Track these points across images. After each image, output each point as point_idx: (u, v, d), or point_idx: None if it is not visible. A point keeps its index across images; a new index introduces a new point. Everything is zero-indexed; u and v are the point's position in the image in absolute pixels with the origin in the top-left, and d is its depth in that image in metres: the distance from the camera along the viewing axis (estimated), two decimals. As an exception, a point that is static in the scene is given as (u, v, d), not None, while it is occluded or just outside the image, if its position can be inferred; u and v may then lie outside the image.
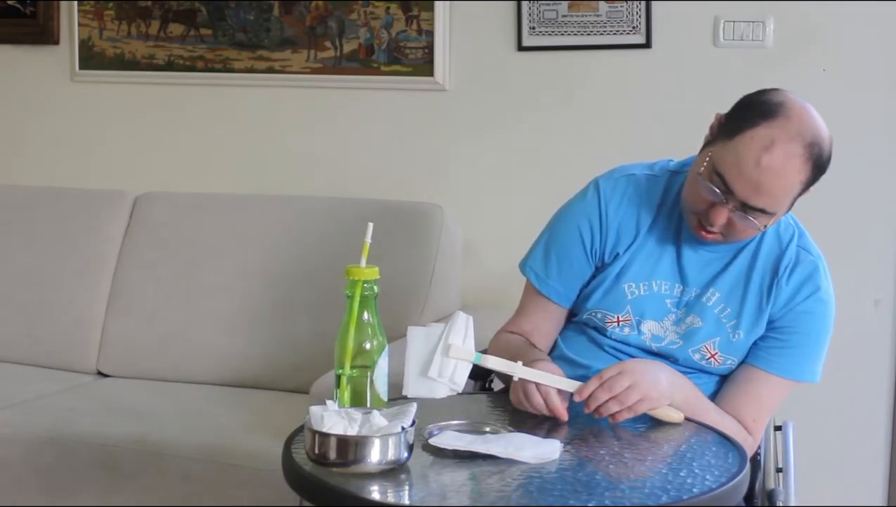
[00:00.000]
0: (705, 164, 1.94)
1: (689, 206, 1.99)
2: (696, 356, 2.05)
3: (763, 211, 1.91)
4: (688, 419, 1.91)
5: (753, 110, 1.92)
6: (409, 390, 1.84)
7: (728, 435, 1.83)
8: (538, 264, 2.15)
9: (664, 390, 1.88)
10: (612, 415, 1.84)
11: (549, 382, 1.87)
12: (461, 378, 1.85)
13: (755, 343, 2.05)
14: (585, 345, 2.11)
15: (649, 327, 2.06)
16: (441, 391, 1.84)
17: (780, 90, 1.97)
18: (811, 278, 2.05)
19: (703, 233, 1.97)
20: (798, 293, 2.04)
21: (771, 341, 2.05)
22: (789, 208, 1.97)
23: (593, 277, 2.10)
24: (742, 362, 2.06)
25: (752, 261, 2.05)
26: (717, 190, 1.91)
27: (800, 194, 1.94)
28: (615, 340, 2.08)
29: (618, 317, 2.06)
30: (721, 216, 1.92)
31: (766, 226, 1.96)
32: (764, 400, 2.06)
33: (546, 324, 2.15)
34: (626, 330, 2.07)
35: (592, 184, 2.13)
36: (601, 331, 2.09)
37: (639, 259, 2.07)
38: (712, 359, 2.05)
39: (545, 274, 2.13)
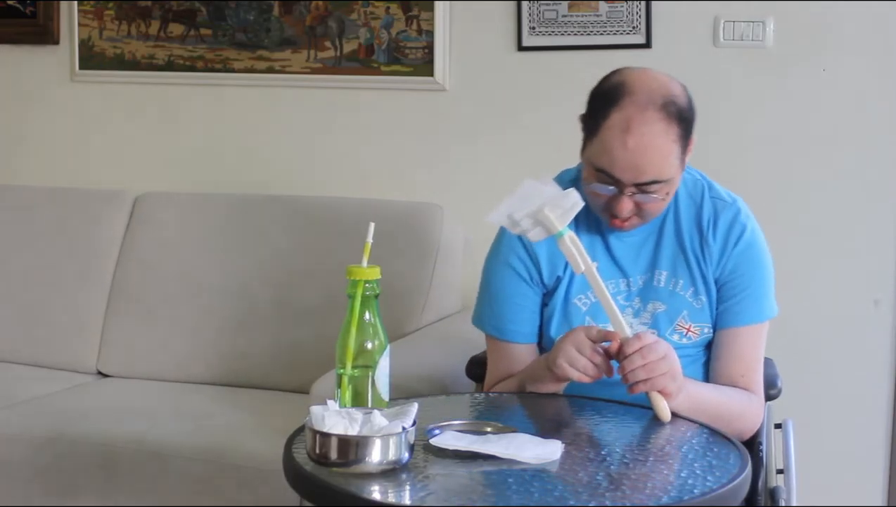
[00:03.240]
0: (587, 168, 2.00)
1: (596, 208, 2.04)
2: (675, 337, 2.07)
3: (656, 182, 1.96)
4: (689, 420, 1.90)
5: (601, 101, 1.99)
6: (492, 218, 1.89)
7: (731, 437, 1.82)
8: (491, 317, 2.16)
9: (680, 375, 1.89)
10: (634, 385, 1.84)
11: (613, 310, 1.88)
12: (535, 238, 1.90)
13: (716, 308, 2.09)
14: None
15: None
16: (514, 231, 1.92)
17: (618, 70, 2.04)
18: (733, 223, 2.09)
19: (620, 223, 2.02)
20: (727, 243, 2.08)
21: (725, 298, 2.08)
22: (683, 164, 2.02)
23: (545, 304, 2.12)
24: (714, 330, 2.10)
25: (677, 228, 2.09)
26: (607, 185, 1.96)
27: (685, 148, 1.99)
28: None
29: None
30: (625, 205, 1.97)
31: (668, 193, 1.99)
32: (745, 354, 2.09)
33: (522, 364, 2.13)
34: None
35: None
36: None
37: None
38: (690, 333, 2.08)
39: (502, 323, 2.14)
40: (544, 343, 2.14)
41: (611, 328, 1.92)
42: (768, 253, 2.13)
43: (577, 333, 1.92)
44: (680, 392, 1.89)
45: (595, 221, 2.09)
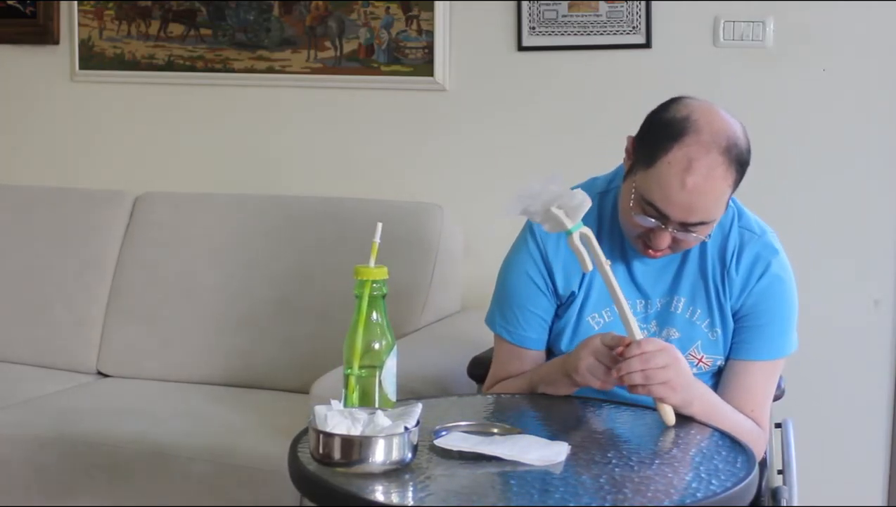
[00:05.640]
0: (633, 195, 1.94)
1: (629, 234, 2.00)
2: None
3: (702, 223, 1.92)
4: (701, 423, 1.90)
5: (663, 133, 1.91)
6: (508, 210, 1.85)
7: (739, 439, 1.81)
8: (502, 319, 2.13)
9: (686, 387, 1.87)
10: (631, 387, 1.83)
11: (625, 311, 1.86)
12: (550, 231, 1.87)
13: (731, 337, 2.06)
14: None
15: None
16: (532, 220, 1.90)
17: (681, 100, 1.96)
18: (759, 257, 2.04)
19: (652, 254, 1.97)
20: (750, 277, 2.04)
21: (743, 330, 2.05)
22: (726, 207, 1.98)
23: (558, 316, 2.09)
24: (726, 359, 2.07)
25: (702, 255, 2.05)
26: (653, 219, 1.92)
27: (734, 191, 1.95)
28: None
29: None
30: (664, 239, 1.93)
31: (708, 235, 1.97)
32: (757, 388, 2.06)
33: (528, 368, 2.12)
34: None
35: (527, 228, 2.11)
36: None
37: (595, 288, 2.06)
38: (701, 363, 2.05)
39: (513, 326, 2.11)
40: (552, 347, 2.12)
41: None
42: (793, 289, 2.07)
43: (594, 341, 1.90)
44: (689, 405, 1.88)
45: (619, 240, 2.05)
